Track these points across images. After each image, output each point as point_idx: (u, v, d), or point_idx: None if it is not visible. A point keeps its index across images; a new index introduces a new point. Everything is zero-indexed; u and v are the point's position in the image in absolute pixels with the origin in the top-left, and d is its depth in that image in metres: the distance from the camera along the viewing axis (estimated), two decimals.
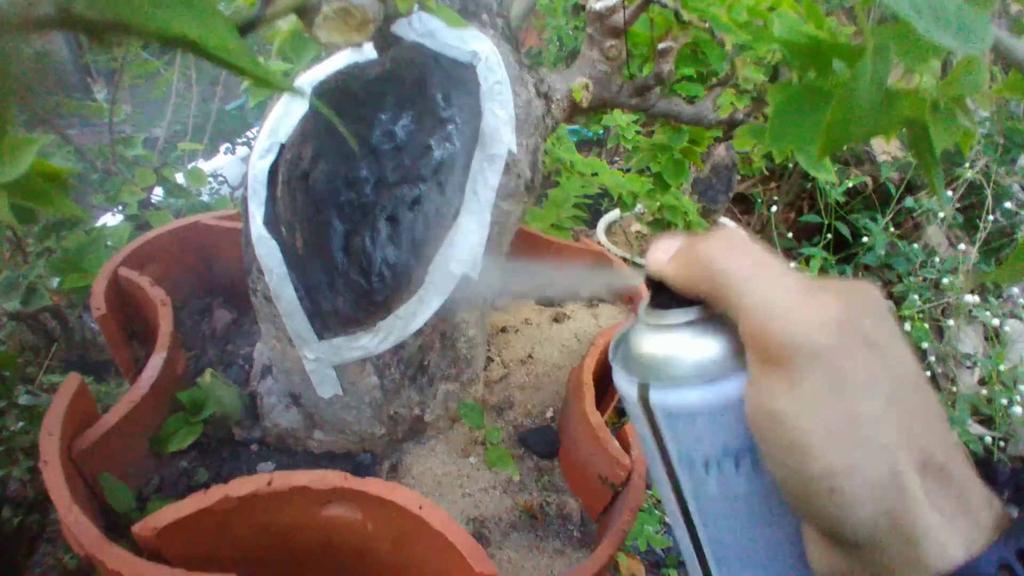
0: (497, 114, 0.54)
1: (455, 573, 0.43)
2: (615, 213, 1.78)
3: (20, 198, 0.50)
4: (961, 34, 0.27)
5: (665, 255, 0.25)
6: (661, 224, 1.25)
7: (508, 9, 0.61)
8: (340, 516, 0.46)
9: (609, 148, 1.90)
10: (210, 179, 1.35)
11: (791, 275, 0.23)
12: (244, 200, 0.57)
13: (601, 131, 1.79)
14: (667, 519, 0.29)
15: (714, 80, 0.80)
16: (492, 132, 0.54)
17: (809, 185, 1.89)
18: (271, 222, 0.55)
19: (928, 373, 1.47)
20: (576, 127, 1.75)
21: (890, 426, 0.22)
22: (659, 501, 1.05)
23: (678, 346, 0.25)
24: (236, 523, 0.45)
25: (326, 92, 0.56)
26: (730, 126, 0.76)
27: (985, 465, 0.24)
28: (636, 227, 1.73)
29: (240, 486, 0.44)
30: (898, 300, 1.59)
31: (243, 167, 0.59)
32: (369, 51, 0.56)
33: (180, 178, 1.16)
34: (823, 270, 1.71)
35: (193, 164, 1.35)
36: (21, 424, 0.82)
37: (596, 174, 1.10)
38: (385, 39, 0.54)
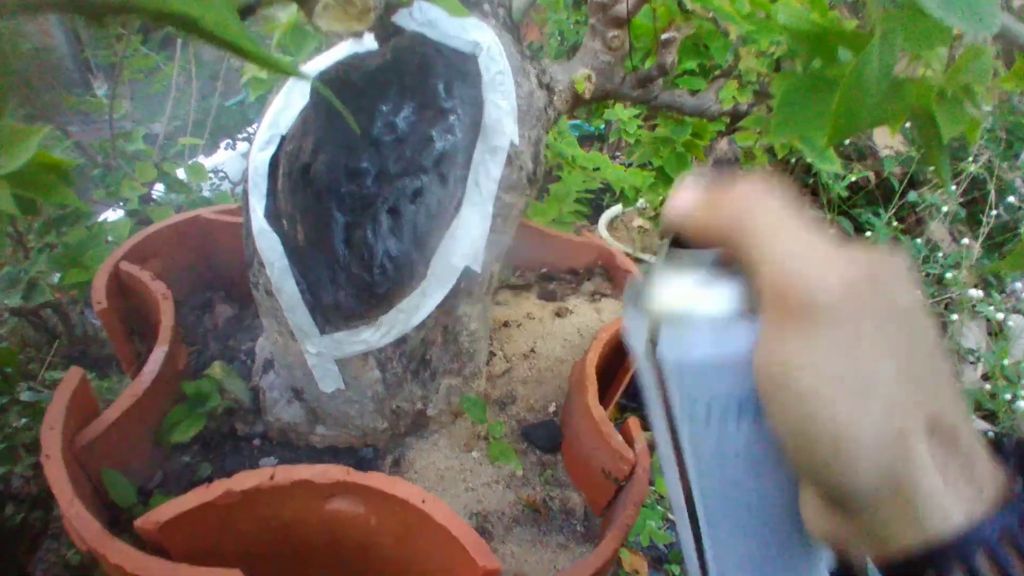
0: (499, 105, 0.54)
1: (458, 568, 0.42)
2: (617, 208, 1.78)
3: (22, 189, 0.50)
4: (970, 16, 0.27)
5: (685, 203, 0.25)
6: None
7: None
8: (343, 510, 0.46)
9: (611, 143, 1.90)
10: (211, 175, 1.35)
11: (816, 232, 0.23)
12: (245, 193, 0.57)
13: (603, 126, 1.78)
14: (662, 467, 0.30)
15: (717, 73, 0.80)
16: (494, 123, 0.54)
17: (811, 180, 1.88)
18: (272, 215, 0.55)
19: None
20: (578, 122, 1.74)
21: (902, 388, 0.21)
22: (662, 496, 1.06)
23: (690, 295, 0.25)
24: (239, 517, 0.45)
25: (327, 83, 0.56)
26: (733, 118, 0.76)
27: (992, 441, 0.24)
28: (638, 222, 1.73)
29: (243, 480, 0.43)
30: None
31: (243, 163, 0.59)
32: (370, 41, 0.55)
33: (181, 173, 1.16)
34: None
35: (193, 160, 1.35)
36: (23, 421, 0.82)
37: (598, 169, 1.09)
38: (386, 29, 0.54)
